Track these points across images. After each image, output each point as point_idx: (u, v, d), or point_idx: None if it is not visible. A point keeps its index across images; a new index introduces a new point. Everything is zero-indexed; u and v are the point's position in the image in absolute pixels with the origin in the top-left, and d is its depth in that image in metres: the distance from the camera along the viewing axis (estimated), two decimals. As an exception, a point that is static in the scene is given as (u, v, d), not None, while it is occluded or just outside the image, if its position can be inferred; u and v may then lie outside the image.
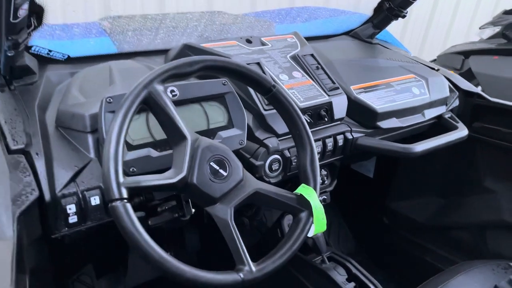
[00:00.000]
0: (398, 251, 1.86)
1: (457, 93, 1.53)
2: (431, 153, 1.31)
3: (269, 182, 1.09)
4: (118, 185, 0.68)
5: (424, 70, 1.50)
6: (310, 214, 0.87)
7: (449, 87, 1.50)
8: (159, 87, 0.78)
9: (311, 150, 0.93)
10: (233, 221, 0.79)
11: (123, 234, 0.68)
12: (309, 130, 0.94)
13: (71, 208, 0.83)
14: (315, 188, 0.90)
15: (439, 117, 1.44)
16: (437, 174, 1.73)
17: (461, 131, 1.35)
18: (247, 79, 0.90)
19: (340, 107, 1.21)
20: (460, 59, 3.33)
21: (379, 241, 1.94)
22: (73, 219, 0.84)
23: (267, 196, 0.85)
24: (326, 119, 1.17)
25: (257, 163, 1.05)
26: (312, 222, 0.87)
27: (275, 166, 1.09)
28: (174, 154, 0.80)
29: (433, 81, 1.44)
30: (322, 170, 1.29)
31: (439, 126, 1.45)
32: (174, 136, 0.80)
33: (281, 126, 1.07)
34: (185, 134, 0.79)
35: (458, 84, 1.55)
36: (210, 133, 0.97)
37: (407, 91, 1.37)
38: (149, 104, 0.77)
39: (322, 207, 0.87)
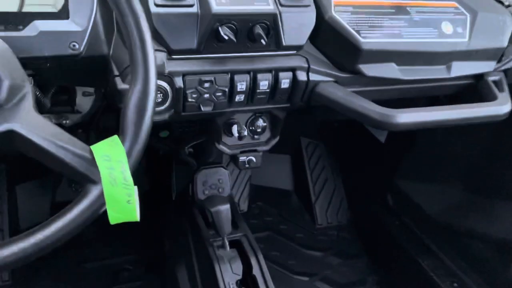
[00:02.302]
0: (396, 241, 1.43)
1: None
2: (462, 128, 0.84)
3: None
4: None
5: (480, 0, 0.95)
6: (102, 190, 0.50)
7: None
8: None
9: (145, 81, 0.53)
10: None
11: None
12: (149, 48, 0.53)
13: None
14: (130, 150, 0.52)
15: (480, 78, 0.92)
16: (468, 159, 1.22)
17: (499, 106, 0.83)
18: None
19: (297, 27, 0.76)
20: None
21: (376, 222, 1.51)
22: None
23: (32, 144, 0.49)
24: (263, 41, 0.73)
25: (122, 86, 0.68)
26: (104, 204, 0.50)
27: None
28: None
29: (485, 18, 0.89)
30: (260, 120, 0.87)
31: (475, 91, 0.93)
32: None
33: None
34: None
35: None
36: (19, 19, 0.60)
37: (431, 26, 0.85)
38: None
39: (129, 184, 0.50)
